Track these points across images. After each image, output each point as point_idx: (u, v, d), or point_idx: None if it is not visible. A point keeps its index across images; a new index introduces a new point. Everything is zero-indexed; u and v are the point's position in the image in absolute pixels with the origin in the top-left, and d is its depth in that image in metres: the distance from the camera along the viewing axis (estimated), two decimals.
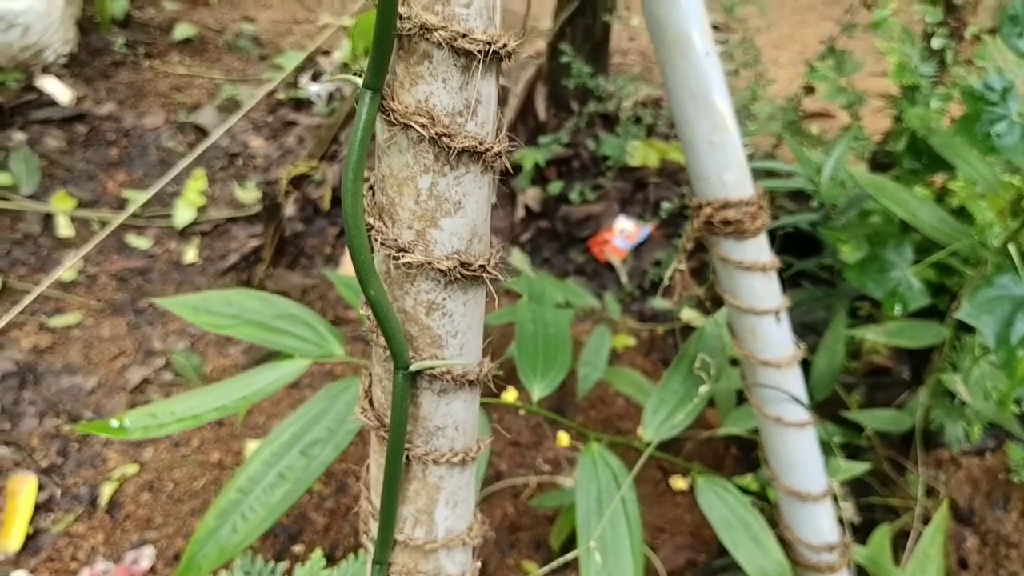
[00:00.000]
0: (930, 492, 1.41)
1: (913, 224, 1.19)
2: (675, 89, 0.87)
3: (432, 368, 0.50)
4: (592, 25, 2.46)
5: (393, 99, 0.44)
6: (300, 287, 2.29)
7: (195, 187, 2.59)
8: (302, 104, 2.91)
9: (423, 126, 0.43)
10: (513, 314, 1.84)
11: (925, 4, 1.69)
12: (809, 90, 1.96)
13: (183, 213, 2.48)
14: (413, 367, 0.49)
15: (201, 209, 2.53)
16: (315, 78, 2.97)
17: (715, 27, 2.26)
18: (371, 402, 0.55)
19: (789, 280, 1.82)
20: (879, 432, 1.49)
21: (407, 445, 0.53)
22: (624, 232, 2.33)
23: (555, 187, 2.41)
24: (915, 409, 1.40)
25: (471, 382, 0.52)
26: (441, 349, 0.50)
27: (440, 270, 0.47)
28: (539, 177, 2.45)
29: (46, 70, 2.82)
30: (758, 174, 1.86)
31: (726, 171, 0.88)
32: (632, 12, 3.56)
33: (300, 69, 3.05)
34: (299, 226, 2.42)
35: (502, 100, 2.63)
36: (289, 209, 2.36)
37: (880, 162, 1.86)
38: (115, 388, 2.06)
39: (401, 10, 0.41)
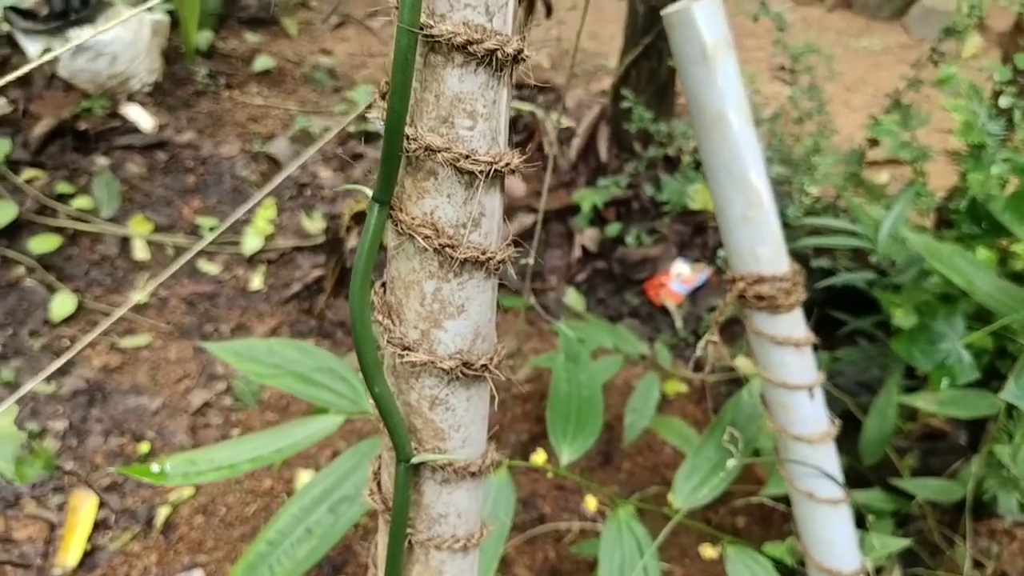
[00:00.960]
0: (977, 564, 1.36)
1: (968, 291, 1.17)
2: (711, 164, 0.88)
3: (434, 460, 0.52)
4: (657, 68, 2.47)
5: (401, 210, 0.46)
6: None
7: (264, 215, 2.67)
8: (370, 137, 2.99)
9: (428, 237, 0.45)
10: (552, 358, 1.86)
11: (994, 62, 1.65)
12: (873, 143, 1.93)
13: (252, 241, 2.56)
14: (415, 460, 0.51)
15: (269, 237, 2.61)
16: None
17: (781, 68, 2.25)
18: (379, 484, 0.57)
19: (845, 337, 1.79)
20: (930, 500, 1.45)
21: (409, 530, 0.55)
22: (681, 276, 2.32)
23: (613, 228, 2.42)
24: (967, 479, 1.36)
25: (474, 473, 0.54)
26: (444, 441, 0.52)
27: (443, 369, 0.49)
28: (597, 218, 2.47)
29: (131, 98, 2.96)
30: (816, 229, 1.84)
31: (760, 246, 0.88)
32: None
33: (372, 103, 3.13)
34: None
35: (566, 140, 2.66)
36: (351, 241, 2.42)
37: (945, 219, 1.82)
38: (178, 410, 2.13)
39: (408, 131, 0.44)
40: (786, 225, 1.97)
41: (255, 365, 0.94)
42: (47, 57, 0.35)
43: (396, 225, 0.46)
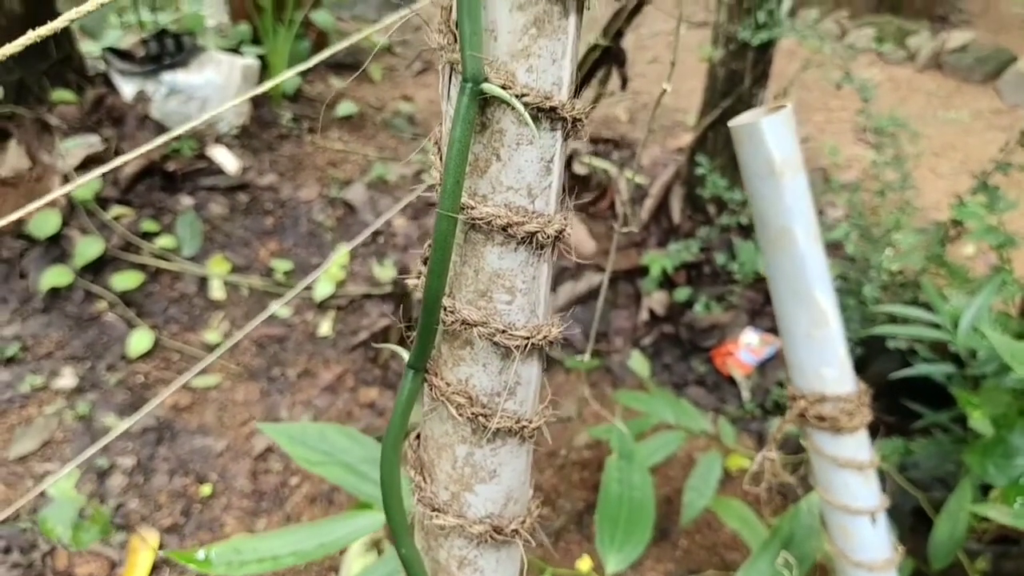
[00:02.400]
0: None
1: None
2: (776, 279, 0.85)
3: None
4: None
5: (436, 374, 0.46)
6: None
7: (338, 261, 2.72)
8: None
9: (461, 406, 0.45)
10: (611, 432, 1.83)
11: None
12: (957, 224, 1.86)
13: (323, 286, 2.61)
14: None
15: (340, 283, 2.65)
16: None
17: (864, 129, 2.19)
18: None
19: (921, 430, 1.72)
20: None
21: None
22: (750, 346, 2.27)
23: (682, 293, 2.38)
24: None
25: None
26: None
27: (472, 533, 0.48)
28: (666, 280, 2.43)
29: (218, 140, 3.06)
30: (893, 318, 1.78)
31: (824, 365, 0.85)
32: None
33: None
34: None
35: (639, 199, 2.64)
36: (419, 293, 2.44)
37: None
38: (241, 453, 2.17)
39: (446, 302, 0.43)
40: (862, 304, 1.91)
41: (306, 451, 0.95)
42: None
43: (431, 389, 0.46)
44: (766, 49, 2.30)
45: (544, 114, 0.39)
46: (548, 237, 0.41)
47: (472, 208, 0.40)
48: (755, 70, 2.34)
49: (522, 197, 0.41)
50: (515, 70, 0.38)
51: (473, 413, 0.44)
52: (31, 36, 0.37)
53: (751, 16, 2.24)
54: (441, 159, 0.43)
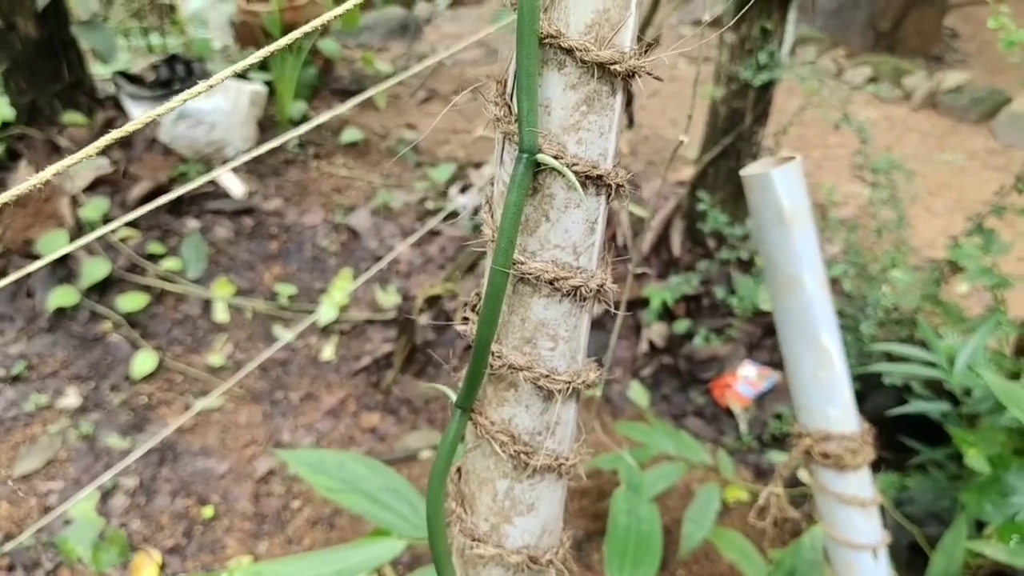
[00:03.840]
0: None
1: None
2: (783, 322, 0.89)
3: None
4: (735, 168, 2.49)
5: (481, 413, 0.49)
6: (424, 396, 2.38)
7: (341, 286, 2.75)
8: (449, 214, 3.07)
9: (504, 443, 0.48)
10: (618, 461, 1.86)
11: None
12: (952, 264, 1.91)
13: (327, 311, 2.64)
14: None
15: (343, 308, 2.69)
16: (464, 190, 3.13)
17: (861, 166, 2.24)
18: None
19: (917, 466, 1.75)
20: None
21: None
22: (748, 379, 2.31)
23: (681, 325, 2.42)
24: None
25: None
26: None
27: (510, 562, 0.51)
28: (666, 312, 2.47)
29: (225, 164, 3.09)
30: (886, 355, 1.81)
31: (830, 405, 0.89)
32: (781, 146, 3.56)
33: (451, 180, 3.22)
34: (431, 335, 2.53)
35: (639, 231, 2.69)
36: (423, 318, 2.48)
37: None
38: (243, 476, 2.19)
39: (494, 347, 0.47)
40: (859, 340, 1.95)
41: (325, 479, 0.98)
42: (142, 119, 0.40)
43: (476, 427, 0.49)
44: (767, 89, 2.36)
45: (591, 181, 0.43)
46: (590, 291, 0.45)
47: (522, 263, 0.44)
48: (756, 108, 2.39)
49: (568, 254, 0.44)
50: (566, 142, 0.42)
51: (515, 451, 0.48)
52: None
53: (752, 57, 2.30)
54: (492, 216, 0.46)
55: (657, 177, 3.17)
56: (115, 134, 0.41)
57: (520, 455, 0.48)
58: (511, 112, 0.43)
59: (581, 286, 0.44)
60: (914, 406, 1.62)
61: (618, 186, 0.44)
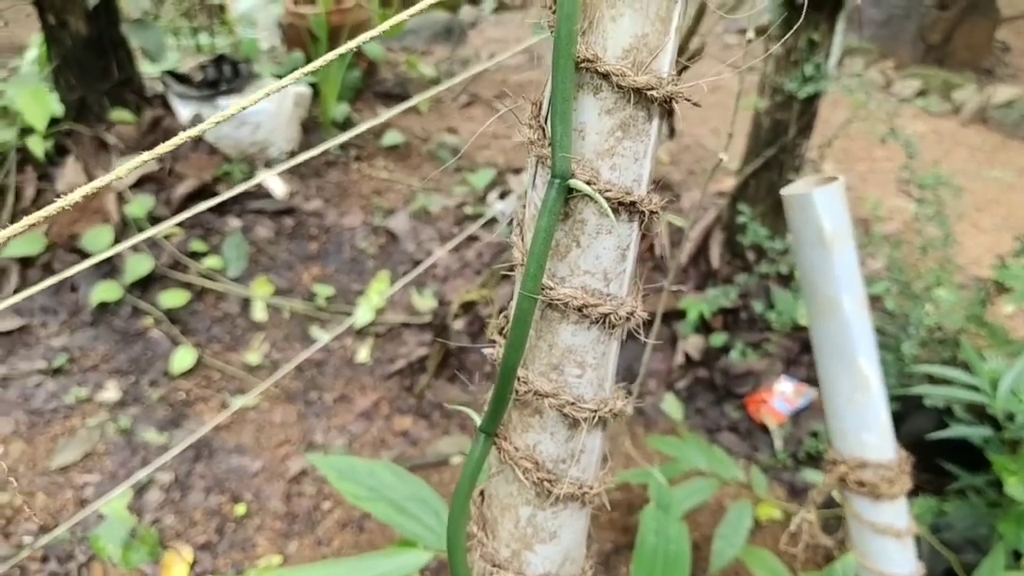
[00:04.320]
0: None
1: None
2: (821, 344, 0.87)
3: None
4: (777, 181, 2.46)
5: (506, 439, 0.49)
6: (457, 401, 2.38)
7: (378, 288, 2.77)
8: (487, 220, 3.07)
9: (527, 470, 0.47)
10: (646, 476, 1.84)
11: None
12: (999, 286, 1.86)
13: (363, 313, 2.65)
14: None
15: (380, 311, 2.70)
16: (502, 196, 3.13)
17: (908, 181, 2.20)
18: None
19: (956, 492, 1.71)
20: None
21: None
22: (784, 395, 2.27)
23: (718, 338, 2.40)
24: None
25: None
26: None
27: None
28: (703, 325, 2.45)
29: (268, 165, 3.13)
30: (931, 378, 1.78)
31: (866, 431, 0.87)
32: (825, 159, 3.51)
33: (490, 186, 3.22)
34: (465, 340, 2.54)
35: (678, 242, 2.66)
36: (457, 324, 2.48)
37: None
38: (276, 475, 2.20)
39: (520, 372, 0.46)
40: (900, 359, 1.91)
41: (354, 486, 0.98)
42: (201, 127, 0.40)
43: (499, 452, 0.49)
44: (812, 101, 2.32)
45: (624, 207, 0.42)
46: (620, 318, 0.44)
47: (551, 289, 0.43)
48: (800, 121, 2.36)
49: (598, 281, 0.44)
50: (600, 167, 0.42)
51: (539, 478, 0.47)
52: None
53: (798, 68, 2.27)
54: (523, 239, 0.46)
55: (697, 187, 3.14)
56: (169, 143, 0.42)
57: (543, 482, 0.47)
58: (545, 136, 0.43)
59: (610, 313, 0.44)
60: (954, 430, 1.59)
61: (651, 212, 0.43)
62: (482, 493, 0.54)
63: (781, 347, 2.39)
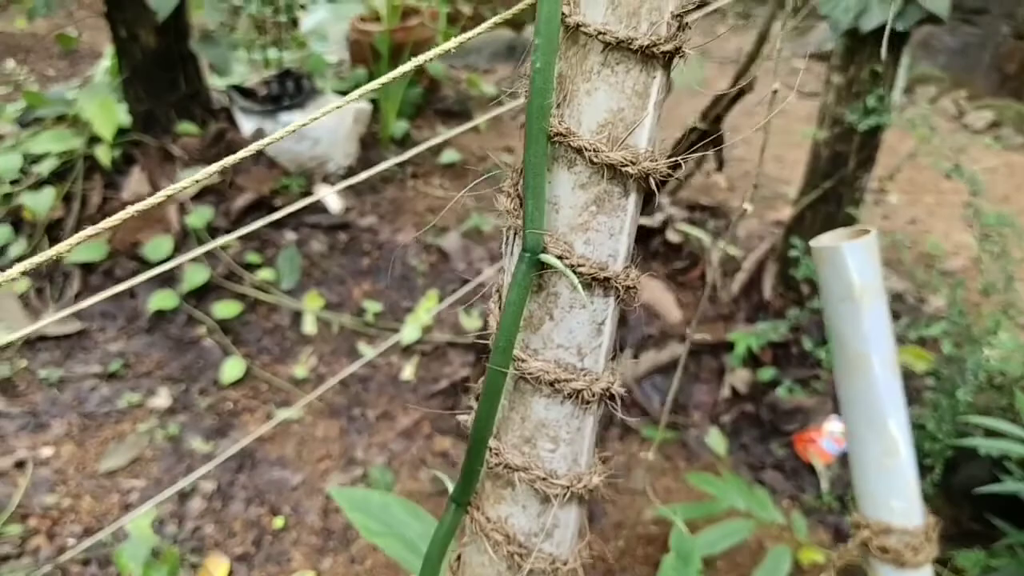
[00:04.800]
0: None
1: None
2: (848, 401, 0.84)
3: None
4: (835, 214, 2.40)
5: (478, 508, 0.47)
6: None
7: (426, 306, 2.78)
8: None
9: (498, 543, 0.46)
10: (674, 512, 1.81)
11: None
12: None
13: (410, 331, 2.66)
14: None
15: (427, 329, 2.71)
16: None
17: (975, 223, 2.12)
18: None
19: (1006, 547, 1.63)
20: None
21: None
22: (833, 435, 2.21)
23: (766, 373, 2.34)
24: None
25: None
26: None
27: None
28: (751, 358, 2.39)
29: (325, 179, 3.18)
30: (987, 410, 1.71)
31: (893, 496, 0.83)
32: (890, 188, 3.42)
33: None
34: None
35: (731, 272, 2.61)
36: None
37: None
38: (315, 489, 2.22)
39: (492, 443, 0.45)
40: (954, 406, 1.84)
41: (367, 519, 0.98)
42: (263, 142, 0.41)
43: (471, 522, 0.48)
44: (874, 133, 2.26)
45: (598, 283, 0.41)
46: (594, 395, 0.43)
47: (523, 361, 0.42)
48: (860, 153, 2.30)
49: (572, 355, 0.42)
50: (573, 241, 0.40)
51: (509, 551, 0.46)
52: None
53: (859, 100, 2.21)
54: (500, 308, 0.45)
55: (754, 215, 3.09)
56: (232, 158, 0.42)
57: (514, 556, 0.46)
58: (521, 206, 0.42)
59: (583, 389, 0.42)
60: (1006, 486, 1.52)
61: (628, 288, 0.42)
62: (459, 557, 0.52)
63: (831, 386, 2.32)
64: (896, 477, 0.83)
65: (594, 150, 0.38)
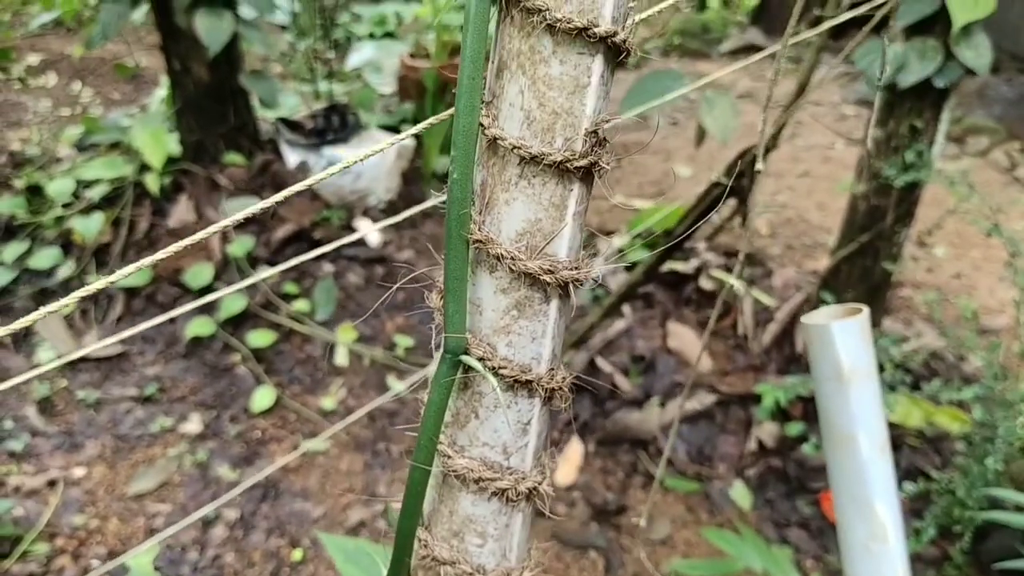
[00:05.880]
0: None
1: None
2: (837, 482, 0.82)
3: None
4: (871, 268, 2.36)
5: None
6: None
7: None
8: None
9: None
10: (690, 568, 1.78)
11: None
12: None
13: None
14: None
15: None
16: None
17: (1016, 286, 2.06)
18: None
19: None
20: None
21: None
22: None
23: (794, 427, 2.30)
24: None
25: None
26: None
27: None
28: (779, 411, 2.35)
29: (366, 213, 3.23)
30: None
31: None
32: (936, 241, 3.34)
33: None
34: None
35: (764, 322, 2.58)
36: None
37: None
38: (336, 523, 2.24)
39: (421, 534, 0.45)
40: (983, 474, 1.79)
41: (356, 570, 0.98)
42: (312, 180, 0.43)
43: None
44: (912, 189, 2.22)
45: (521, 385, 0.41)
46: (519, 494, 0.43)
47: (450, 458, 0.43)
48: (899, 208, 2.26)
49: (497, 454, 0.43)
50: (496, 344, 0.41)
51: None
52: None
53: (898, 154, 2.18)
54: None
55: (793, 264, 3.05)
56: (281, 194, 0.44)
57: None
58: None
59: (508, 489, 0.43)
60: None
61: (554, 390, 0.42)
62: None
63: None
64: (883, 563, 0.81)
65: (512, 258, 0.39)
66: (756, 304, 2.63)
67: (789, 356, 2.47)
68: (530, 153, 0.37)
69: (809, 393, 2.27)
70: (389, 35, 5.43)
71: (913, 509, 2.15)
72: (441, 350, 0.44)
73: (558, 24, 0.34)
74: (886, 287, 2.42)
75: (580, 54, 0.35)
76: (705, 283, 2.69)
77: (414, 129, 0.46)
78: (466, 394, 0.42)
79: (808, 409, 2.36)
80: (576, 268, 0.39)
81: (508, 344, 0.41)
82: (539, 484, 0.44)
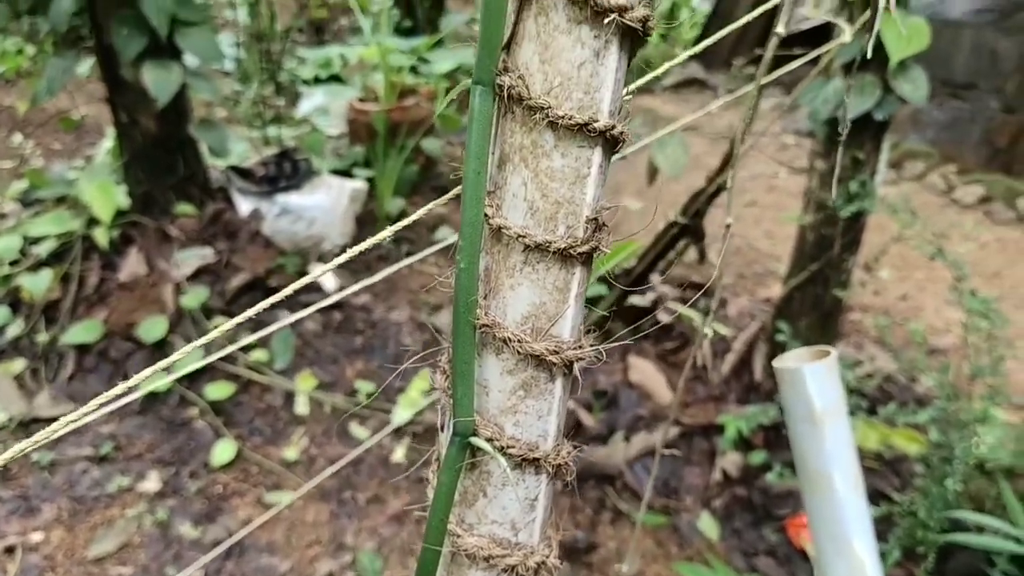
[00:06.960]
0: None
1: None
2: (814, 521, 0.84)
3: None
4: (823, 295, 2.42)
5: None
6: None
7: (418, 386, 2.78)
8: None
9: None
10: None
11: None
12: None
13: (402, 412, 2.67)
14: None
15: (419, 412, 2.71)
16: None
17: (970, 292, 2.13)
18: None
19: None
20: None
21: None
22: None
23: (758, 456, 2.33)
24: None
25: None
26: None
27: None
28: (742, 441, 2.39)
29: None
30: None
31: None
32: (881, 265, 3.44)
33: None
34: None
35: (722, 352, 2.62)
36: None
37: None
38: None
39: None
40: (943, 495, 1.83)
41: None
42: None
43: None
44: (857, 218, 2.29)
45: (528, 463, 0.42)
46: (528, 569, 0.44)
47: (459, 536, 0.43)
48: (845, 237, 2.33)
49: (506, 530, 0.43)
50: (503, 424, 0.42)
51: None
52: None
53: (842, 185, 2.25)
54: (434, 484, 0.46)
55: (745, 292, 3.11)
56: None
57: None
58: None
59: (517, 565, 0.43)
60: None
61: (559, 467, 0.43)
62: None
63: None
64: None
65: (519, 341, 0.40)
66: (713, 334, 2.67)
67: (748, 385, 2.51)
68: (535, 241, 0.38)
69: (770, 421, 2.31)
70: (335, 77, 5.44)
71: (877, 532, 2.19)
72: (449, 432, 0.44)
73: (560, 121, 0.36)
74: (837, 313, 2.48)
75: (580, 147, 0.37)
76: (663, 316, 2.73)
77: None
78: (474, 473, 0.43)
79: (770, 437, 2.40)
80: (579, 347, 0.41)
81: (515, 423, 0.42)
82: (546, 558, 0.45)
